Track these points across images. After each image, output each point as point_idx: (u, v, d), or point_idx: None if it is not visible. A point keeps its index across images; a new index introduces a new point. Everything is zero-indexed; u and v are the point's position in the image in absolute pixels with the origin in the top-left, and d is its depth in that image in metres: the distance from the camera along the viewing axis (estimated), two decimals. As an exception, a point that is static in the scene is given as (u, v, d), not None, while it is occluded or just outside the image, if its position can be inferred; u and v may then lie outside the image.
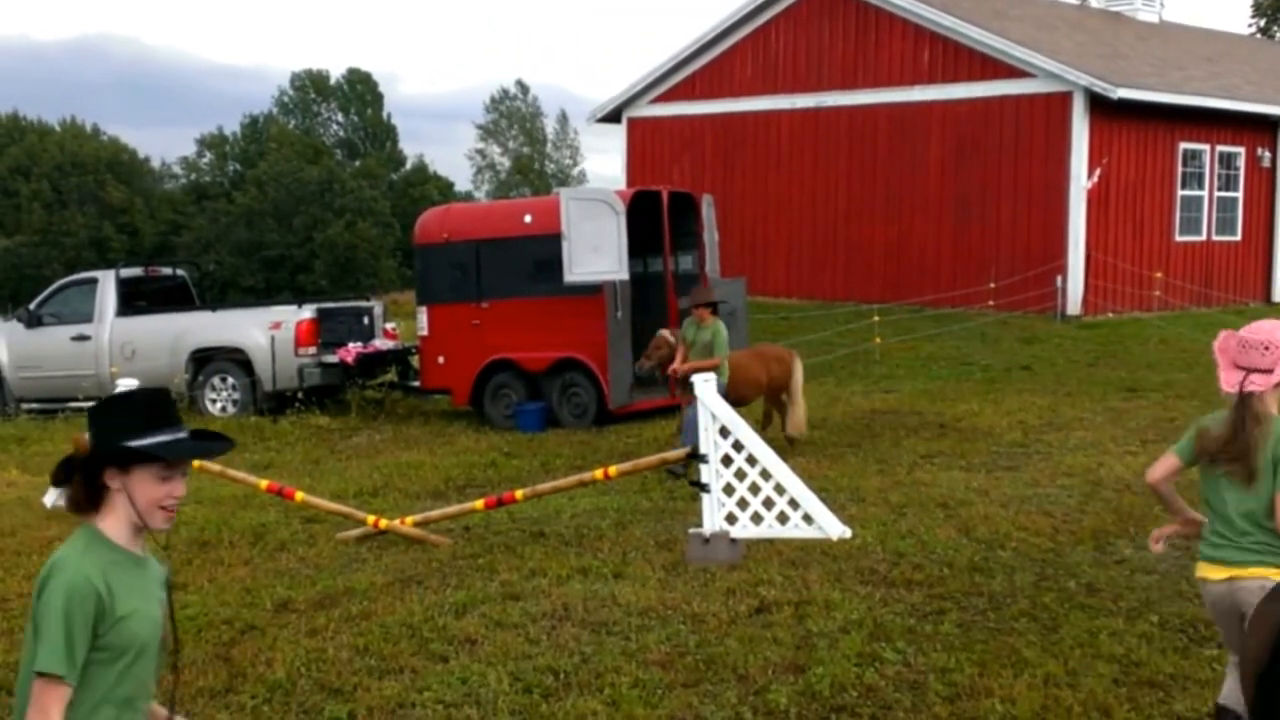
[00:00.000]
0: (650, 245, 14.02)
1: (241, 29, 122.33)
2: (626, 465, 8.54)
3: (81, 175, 59.08)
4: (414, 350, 15.14)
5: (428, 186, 65.93)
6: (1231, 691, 4.27)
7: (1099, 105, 19.68)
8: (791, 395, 11.16)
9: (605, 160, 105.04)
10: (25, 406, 16.25)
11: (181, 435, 2.90)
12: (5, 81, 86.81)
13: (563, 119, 76.49)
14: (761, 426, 10.67)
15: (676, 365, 10.33)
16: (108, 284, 16.04)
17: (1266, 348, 4.13)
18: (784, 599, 6.60)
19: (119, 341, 15.64)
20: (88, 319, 15.92)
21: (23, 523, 9.57)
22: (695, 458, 7.57)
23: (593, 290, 12.81)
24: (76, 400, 15.60)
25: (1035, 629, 6.08)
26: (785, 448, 9.98)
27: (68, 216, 57.88)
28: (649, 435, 12.32)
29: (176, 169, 69.16)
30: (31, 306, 16.61)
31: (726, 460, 7.42)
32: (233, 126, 69.09)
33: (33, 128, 62.90)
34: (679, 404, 13.02)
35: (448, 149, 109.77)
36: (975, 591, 6.68)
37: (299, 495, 8.87)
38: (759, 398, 11.32)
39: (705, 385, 7.51)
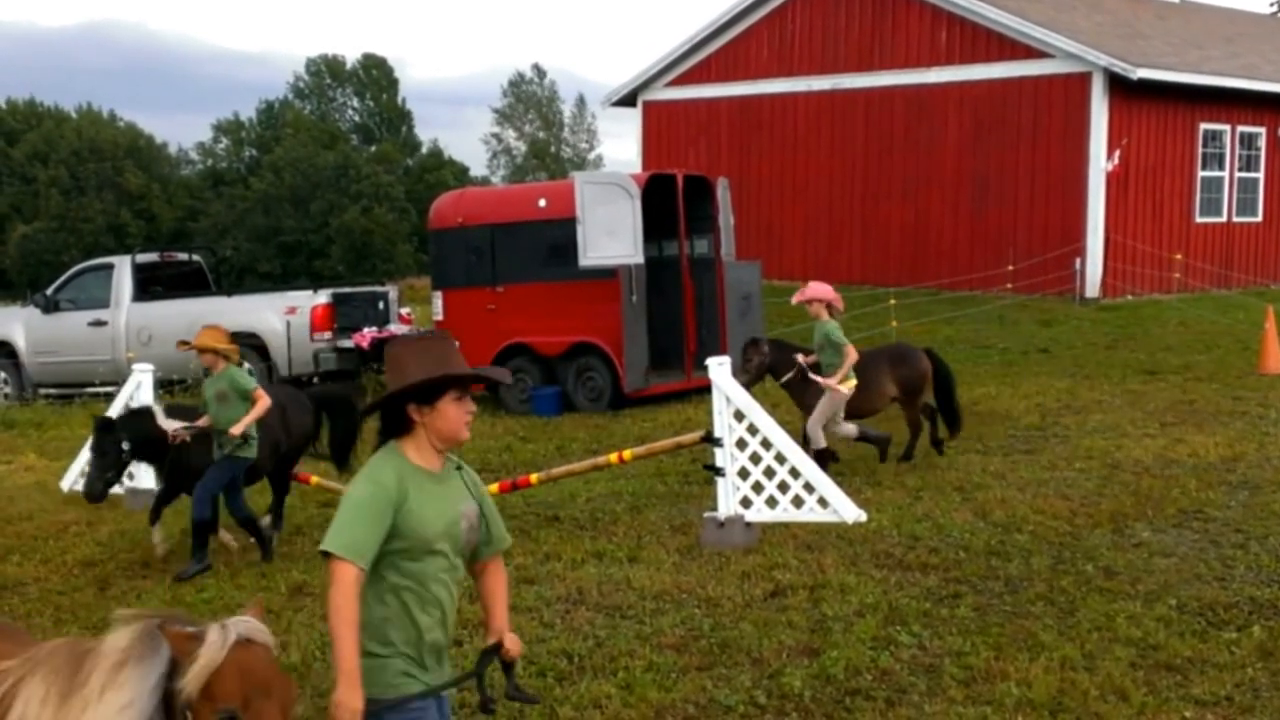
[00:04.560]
0: (665, 229, 13.98)
1: (246, 14, 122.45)
2: (641, 449, 8.52)
3: (99, 161, 59.28)
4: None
5: (443, 171, 65.90)
6: None
7: (1118, 86, 19.49)
8: None
9: (621, 144, 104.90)
10: (43, 391, 16.33)
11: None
12: (14, 68, 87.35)
13: (579, 103, 76.36)
14: None
15: None
16: (124, 269, 16.09)
17: None
18: (799, 583, 6.58)
19: (135, 327, 15.69)
20: (104, 304, 15.98)
21: (40, 507, 9.62)
22: (710, 441, 7.54)
23: (608, 274, 12.78)
24: (93, 385, 15.67)
25: (1052, 613, 6.04)
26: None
27: (85, 203, 58.11)
28: (664, 419, 12.30)
29: (193, 155, 69.38)
30: (49, 292, 16.67)
31: (741, 444, 7.39)
32: (242, 112, 69.27)
33: (50, 114, 63.14)
34: (695, 388, 13.03)
35: (457, 133, 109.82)
36: (991, 575, 6.64)
37: (315, 479, 8.89)
38: None
39: (720, 369, 7.48)
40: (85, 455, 9.71)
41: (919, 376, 9.70)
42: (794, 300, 9.49)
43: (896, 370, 9.70)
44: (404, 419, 3.34)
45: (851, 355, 8.99)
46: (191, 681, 2.66)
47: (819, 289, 9.30)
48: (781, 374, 9.49)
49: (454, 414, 3.34)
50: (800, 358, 9.34)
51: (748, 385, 9.18)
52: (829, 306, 9.17)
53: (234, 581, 7.22)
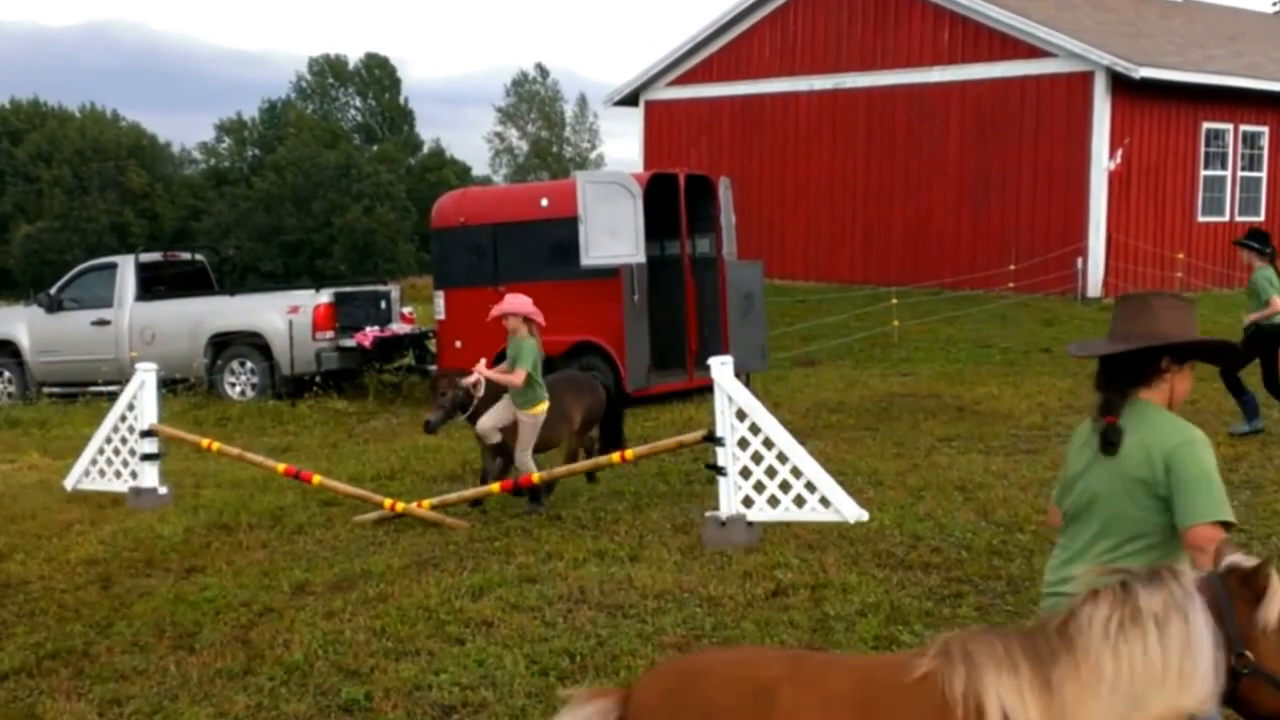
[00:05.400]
0: (667, 228, 13.97)
1: (248, 14, 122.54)
2: (643, 448, 8.53)
3: (102, 161, 59.32)
4: (431, 334, 15.16)
5: (445, 171, 65.90)
6: None
7: (1121, 85, 19.48)
8: None
9: (623, 144, 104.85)
10: (46, 390, 16.36)
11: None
12: (17, 68, 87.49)
13: (581, 103, 76.33)
14: None
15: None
16: (127, 269, 16.14)
17: None
18: (800, 582, 6.58)
19: (138, 326, 15.73)
20: (108, 304, 16.02)
21: (43, 505, 9.64)
22: (712, 440, 7.54)
23: (610, 274, 12.78)
24: (96, 384, 15.71)
25: (1054, 612, 6.04)
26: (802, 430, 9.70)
27: (89, 202, 58.14)
28: (666, 419, 12.30)
29: (196, 154, 69.43)
30: (52, 291, 16.72)
31: (743, 443, 7.39)
32: (244, 111, 69.35)
33: (53, 114, 63.18)
34: (697, 387, 13.02)
35: (459, 133, 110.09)
36: (993, 575, 6.64)
37: (316, 478, 8.91)
38: None
39: (722, 368, 7.48)
40: (90, 453, 9.75)
41: (600, 406, 9.27)
42: (491, 315, 8.76)
43: (582, 400, 9.15)
44: (1151, 370, 3.26)
45: (519, 376, 8.38)
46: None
47: (517, 302, 8.56)
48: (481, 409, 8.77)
49: (1190, 382, 3.33)
50: (485, 372, 8.69)
51: (439, 422, 8.88)
52: (527, 321, 8.48)
53: (237, 580, 7.23)
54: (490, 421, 8.62)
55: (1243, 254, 10.44)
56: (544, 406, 8.60)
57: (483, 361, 9.04)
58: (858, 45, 22.46)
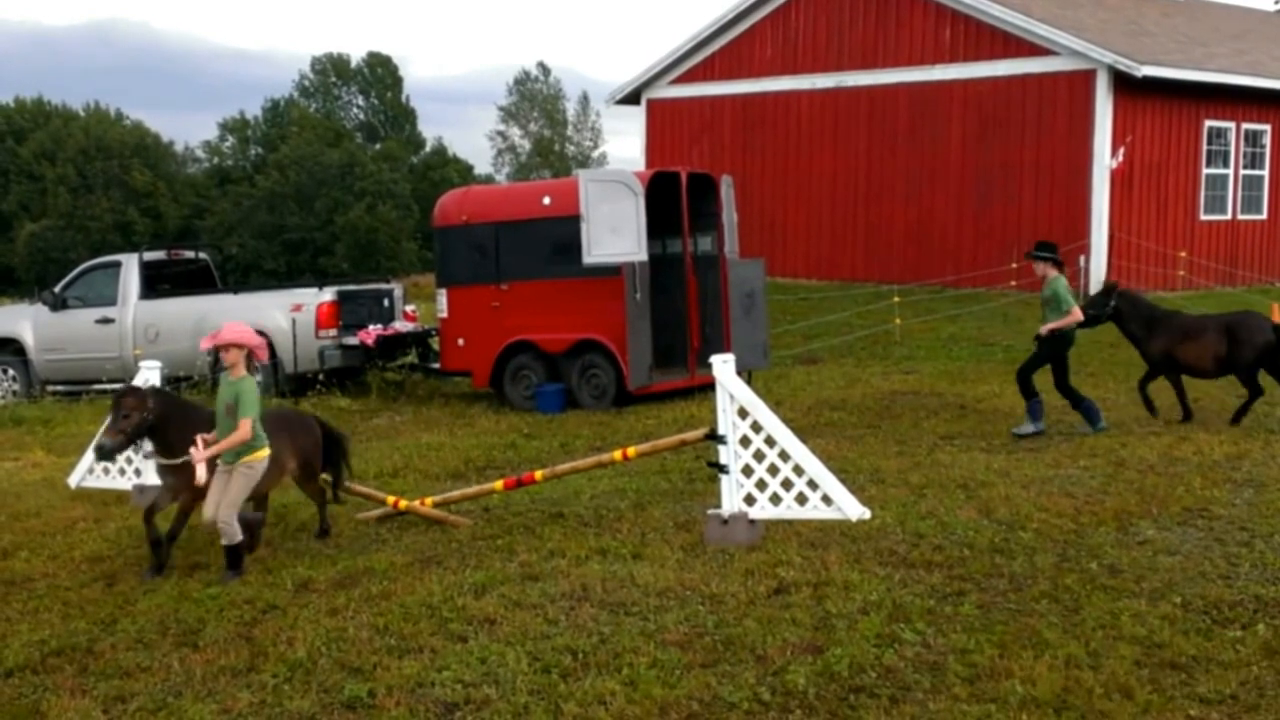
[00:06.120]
0: (669, 226, 13.99)
1: (251, 13, 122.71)
2: (645, 446, 8.53)
3: (106, 159, 59.44)
4: (434, 332, 15.19)
5: (447, 169, 65.98)
6: None
7: (1123, 83, 19.48)
8: None
9: (625, 142, 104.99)
10: (50, 388, 16.39)
11: None
12: (21, 67, 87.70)
13: (584, 101, 76.39)
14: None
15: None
16: (131, 267, 16.17)
17: None
18: (802, 580, 6.59)
19: (142, 324, 15.76)
20: (111, 302, 16.05)
21: (47, 503, 9.66)
22: (714, 439, 7.55)
23: (612, 272, 12.80)
24: (100, 382, 15.73)
25: (1056, 610, 6.04)
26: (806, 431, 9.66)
27: (93, 200, 58.28)
28: (668, 416, 12.32)
29: (199, 153, 69.54)
30: (56, 289, 16.75)
31: (745, 441, 7.40)
32: (247, 110, 69.50)
33: (57, 112, 63.29)
34: (698, 385, 13.04)
35: (462, 131, 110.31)
36: (996, 573, 6.65)
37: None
38: None
39: (724, 367, 7.49)
40: (93, 452, 9.77)
41: (315, 445, 8.06)
42: (203, 345, 7.56)
43: (295, 440, 7.89)
44: None
45: (245, 430, 7.06)
46: None
47: (238, 332, 7.23)
48: (179, 449, 7.22)
49: None
50: (201, 439, 7.09)
51: (116, 449, 7.39)
52: (250, 356, 7.24)
53: (240, 578, 7.24)
54: (215, 498, 7.18)
55: (1036, 266, 10.78)
56: (266, 453, 7.29)
57: (199, 440, 7.09)
58: (859, 43, 22.46)
